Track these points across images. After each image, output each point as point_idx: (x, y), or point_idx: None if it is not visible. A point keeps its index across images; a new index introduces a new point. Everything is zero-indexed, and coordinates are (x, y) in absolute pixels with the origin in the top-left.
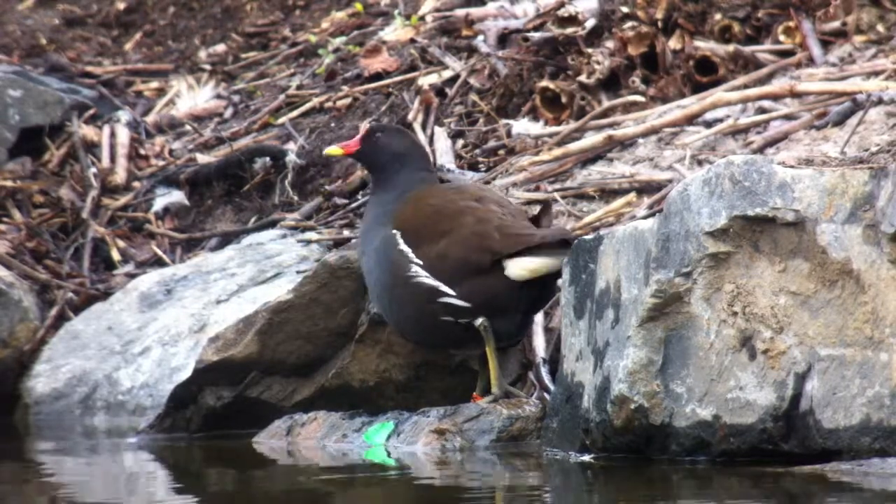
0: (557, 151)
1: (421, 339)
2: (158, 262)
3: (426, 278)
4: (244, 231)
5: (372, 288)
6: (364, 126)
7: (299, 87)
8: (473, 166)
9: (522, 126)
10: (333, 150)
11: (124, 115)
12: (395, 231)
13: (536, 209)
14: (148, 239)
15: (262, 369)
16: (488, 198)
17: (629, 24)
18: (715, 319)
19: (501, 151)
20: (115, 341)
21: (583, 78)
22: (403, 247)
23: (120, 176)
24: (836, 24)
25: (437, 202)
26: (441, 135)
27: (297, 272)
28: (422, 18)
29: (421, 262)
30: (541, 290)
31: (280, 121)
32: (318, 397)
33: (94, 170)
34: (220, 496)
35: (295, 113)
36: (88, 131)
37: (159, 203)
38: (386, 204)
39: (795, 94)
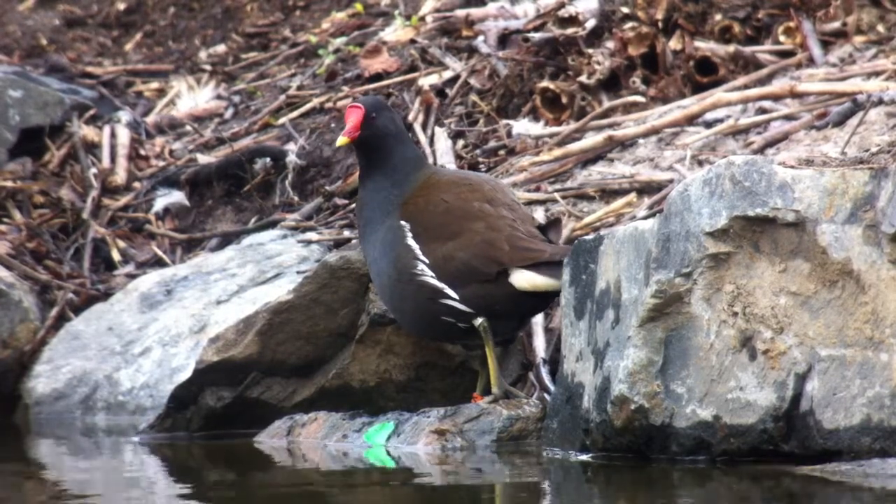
0: (558, 152)
1: (418, 332)
2: (159, 263)
3: (431, 278)
4: (244, 231)
5: (375, 277)
6: (353, 106)
7: (300, 88)
8: (474, 166)
9: (523, 126)
10: (343, 140)
11: (124, 116)
12: (403, 223)
13: (538, 211)
14: (148, 239)
15: (263, 370)
16: (499, 200)
17: (629, 24)
18: (715, 320)
19: (502, 152)
20: (115, 342)
21: (583, 78)
22: (411, 241)
23: (120, 176)
24: (836, 25)
25: (450, 199)
26: (441, 135)
27: (298, 273)
28: (422, 19)
29: (427, 261)
30: (542, 299)
31: (280, 121)
32: (318, 398)
33: (94, 170)
34: (221, 496)
35: (295, 113)
36: (89, 132)
37: (160, 203)
38: (386, 189)
39: (796, 95)
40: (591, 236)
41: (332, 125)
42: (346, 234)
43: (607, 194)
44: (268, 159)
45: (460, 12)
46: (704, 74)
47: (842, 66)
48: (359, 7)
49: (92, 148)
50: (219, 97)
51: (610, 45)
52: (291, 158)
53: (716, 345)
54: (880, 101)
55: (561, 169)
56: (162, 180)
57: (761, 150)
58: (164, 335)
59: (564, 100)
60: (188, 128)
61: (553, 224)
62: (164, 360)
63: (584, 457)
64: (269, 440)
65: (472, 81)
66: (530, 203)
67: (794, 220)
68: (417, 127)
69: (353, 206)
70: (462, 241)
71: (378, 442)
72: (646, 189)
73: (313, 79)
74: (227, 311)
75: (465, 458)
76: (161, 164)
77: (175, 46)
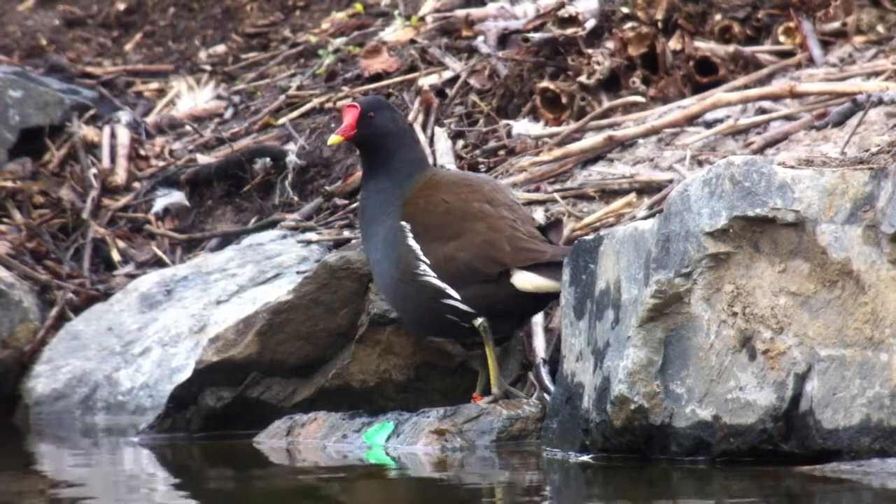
0: (557, 152)
1: (421, 331)
2: (158, 263)
3: (433, 278)
4: (244, 231)
5: (378, 277)
6: (351, 105)
7: (299, 88)
8: (474, 167)
9: (523, 126)
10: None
11: (124, 116)
12: (403, 223)
13: (538, 211)
14: (148, 239)
15: (262, 370)
16: (500, 200)
17: (629, 24)
18: (715, 320)
19: (502, 152)
20: (115, 342)
21: (583, 78)
22: (412, 242)
23: (120, 176)
24: (836, 25)
25: (450, 199)
26: (441, 135)
27: (298, 273)
28: (422, 19)
29: (428, 261)
30: (543, 299)
31: (280, 121)
32: (318, 398)
33: (94, 170)
34: (220, 496)
35: (295, 113)
36: (89, 132)
37: (159, 203)
38: (387, 190)
39: (795, 95)
40: (590, 236)
41: (332, 125)
42: (346, 234)
43: (607, 194)
44: (268, 159)
45: (460, 12)
46: (704, 74)
47: (842, 66)
48: (359, 7)
49: (92, 148)
50: (219, 97)
51: (610, 45)
52: (291, 158)
53: (715, 345)
54: (880, 101)
55: (561, 169)
56: (162, 180)
57: (761, 151)
58: (163, 335)
59: (564, 100)
60: (188, 128)
61: (554, 225)
62: (164, 360)
63: (584, 457)
64: (269, 440)
65: (472, 81)
66: (530, 203)
67: (793, 221)
68: (417, 127)
69: (353, 206)
70: (463, 242)
71: (377, 442)
72: (646, 189)
73: (313, 79)
74: (227, 311)
75: (464, 458)
76: (161, 164)
77: (175, 46)
